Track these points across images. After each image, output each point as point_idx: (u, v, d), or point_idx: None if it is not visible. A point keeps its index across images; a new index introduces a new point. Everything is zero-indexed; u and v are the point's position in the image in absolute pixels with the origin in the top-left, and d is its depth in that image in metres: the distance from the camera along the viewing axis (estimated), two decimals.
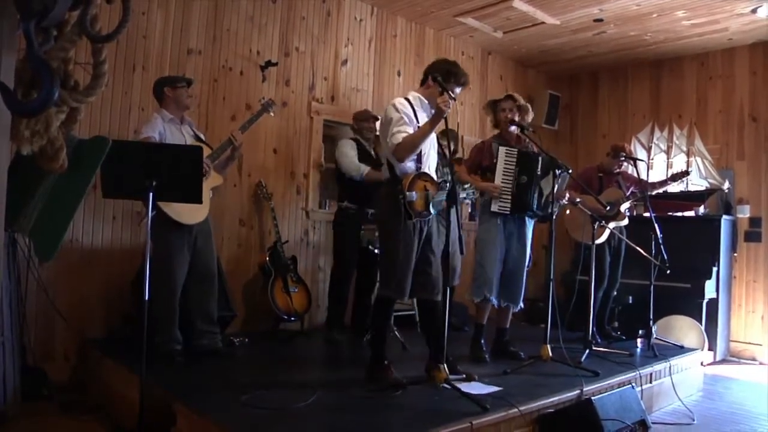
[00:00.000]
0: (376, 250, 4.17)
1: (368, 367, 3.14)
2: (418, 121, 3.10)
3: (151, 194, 2.72)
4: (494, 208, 3.72)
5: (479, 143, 3.95)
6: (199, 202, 3.05)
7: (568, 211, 4.52)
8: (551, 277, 3.62)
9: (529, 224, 3.86)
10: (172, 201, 3.17)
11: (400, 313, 4.87)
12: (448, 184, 2.99)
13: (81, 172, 2.27)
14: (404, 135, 3.01)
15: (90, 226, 3.84)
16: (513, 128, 3.86)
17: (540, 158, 3.73)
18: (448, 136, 3.01)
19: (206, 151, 3.38)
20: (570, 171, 3.60)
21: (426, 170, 3.13)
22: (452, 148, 3.30)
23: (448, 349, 2.93)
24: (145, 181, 2.70)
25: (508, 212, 3.73)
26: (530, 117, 3.90)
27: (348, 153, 4.36)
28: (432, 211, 3.08)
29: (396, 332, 4.10)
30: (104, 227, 3.89)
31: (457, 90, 3.12)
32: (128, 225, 3.97)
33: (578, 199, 4.20)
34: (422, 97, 3.18)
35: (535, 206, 3.71)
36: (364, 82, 5.34)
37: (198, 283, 3.50)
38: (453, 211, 2.82)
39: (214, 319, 3.58)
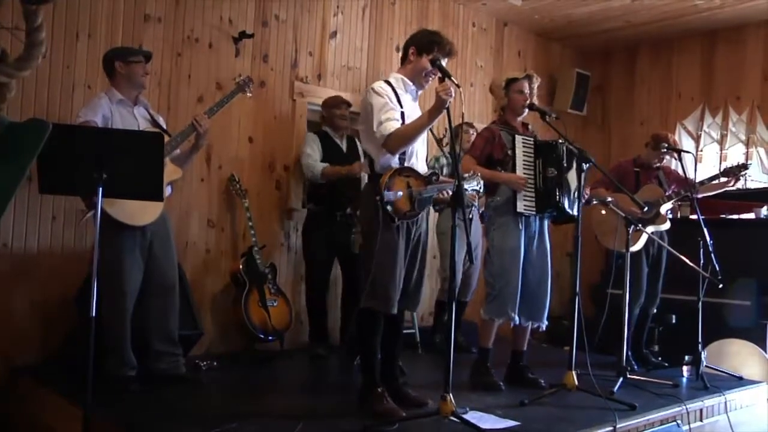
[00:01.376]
0: None
1: (360, 394, 3.15)
2: (401, 106, 3.13)
3: (100, 190, 2.68)
4: (520, 208, 3.71)
5: (484, 131, 3.93)
6: (160, 199, 3.04)
7: (603, 211, 4.50)
8: (577, 290, 3.60)
9: (547, 224, 3.89)
10: (126, 197, 3.14)
11: None
12: (436, 178, 3.08)
13: (13, 162, 2.23)
14: (395, 123, 3.04)
15: (23, 227, 3.80)
16: (522, 116, 3.84)
17: (564, 147, 3.73)
18: (451, 131, 2.99)
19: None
20: (592, 160, 3.58)
21: (412, 164, 3.17)
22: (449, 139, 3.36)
23: (456, 374, 2.93)
24: (94, 174, 2.67)
25: (534, 212, 3.74)
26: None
27: (306, 152, 4.52)
28: (417, 209, 3.11)
29: None
30: (41, 229, 3.86)
31: (444, 62, 3.13)
32: (71, 226, 3.94)
33: (610, 198, 4.18)
34: (405, 78, 3.21)
35: (566, 203, 3.72)
36: (357, 59, 5.32)
37: (155, 296, 3.48)
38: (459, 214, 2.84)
39: (176, 338, 3.57)
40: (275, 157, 4.86)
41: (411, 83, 3.21)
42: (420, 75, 3.19)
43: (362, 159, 3.88)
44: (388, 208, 2.99)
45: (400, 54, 3.30)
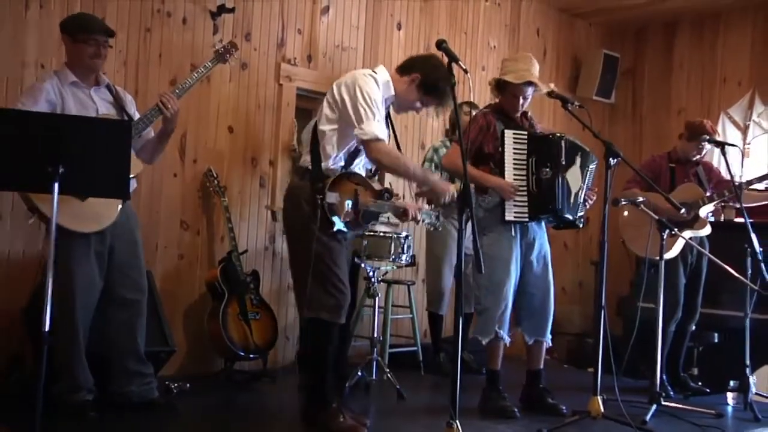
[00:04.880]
0: (363, 264, 4.17)
1: (309, 412, 3.26)
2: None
3: (56, 186, 2.68)
4: (510, 216, 3.74)
5: (480, 118, 3.91)
6: (126, 197, 3.06)
7: (626, 213, 4.50)
8: (603, 303, 3.61)
9: (544, 228, 3.95)
10: (86, 194, 3.16)
11: (396, 350, 4.91)
12: (388, 195, 3.30)
13: None
14: (385, 133, 3.18)
15: None
16: (525, 101, 3.84)
17: (563, 142, 3.74)
18: (458, 122, 2.98)
19: None
20: (621, 155, 3.58)
21: (359, 169, 3.33)
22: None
23: (465, 399, 2.92)
24: (48, 167, 2.67)
25: (526, 219, 3.76)
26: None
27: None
28: (362, 222, 3.27)
29: (390, 375, 4.14)
30: None
31: (418, 106, 3.38)
32: (20, 227, 3.89)
33: (641, 198, 4.17)
34: (392, 87, 3.32)
35: (563, 208, 3.74)
36: (353, 38, 5.32)
37: (119, 308, 3.46)
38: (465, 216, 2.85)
39: (142, 355, 3.55)
40: (259, 150, 4.86)
41: (393, 95, 3.32)
42: (404, 102, 3.37)
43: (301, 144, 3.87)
44: (336, 219, 3.13)
45: (403, 63, 3.41)
